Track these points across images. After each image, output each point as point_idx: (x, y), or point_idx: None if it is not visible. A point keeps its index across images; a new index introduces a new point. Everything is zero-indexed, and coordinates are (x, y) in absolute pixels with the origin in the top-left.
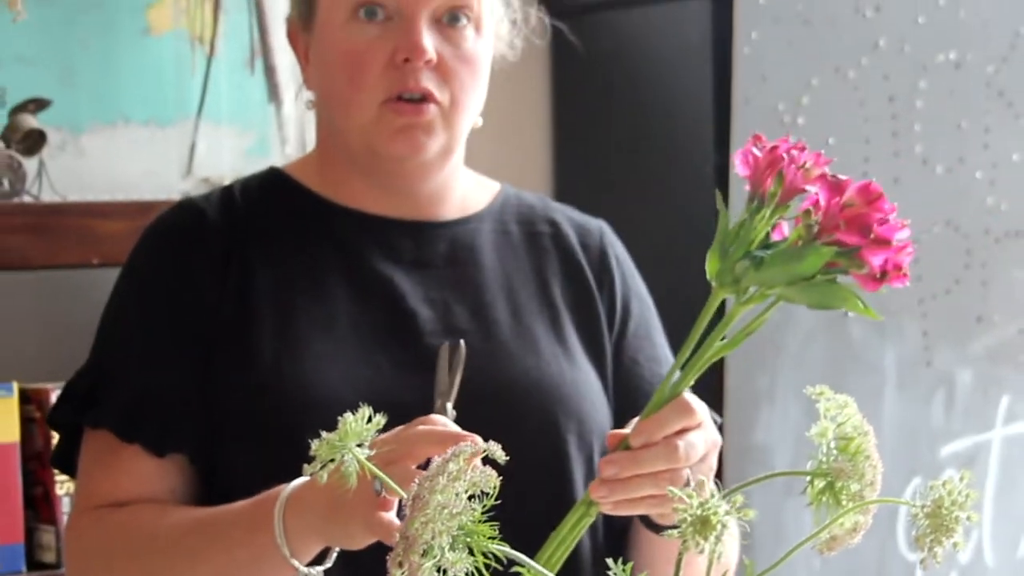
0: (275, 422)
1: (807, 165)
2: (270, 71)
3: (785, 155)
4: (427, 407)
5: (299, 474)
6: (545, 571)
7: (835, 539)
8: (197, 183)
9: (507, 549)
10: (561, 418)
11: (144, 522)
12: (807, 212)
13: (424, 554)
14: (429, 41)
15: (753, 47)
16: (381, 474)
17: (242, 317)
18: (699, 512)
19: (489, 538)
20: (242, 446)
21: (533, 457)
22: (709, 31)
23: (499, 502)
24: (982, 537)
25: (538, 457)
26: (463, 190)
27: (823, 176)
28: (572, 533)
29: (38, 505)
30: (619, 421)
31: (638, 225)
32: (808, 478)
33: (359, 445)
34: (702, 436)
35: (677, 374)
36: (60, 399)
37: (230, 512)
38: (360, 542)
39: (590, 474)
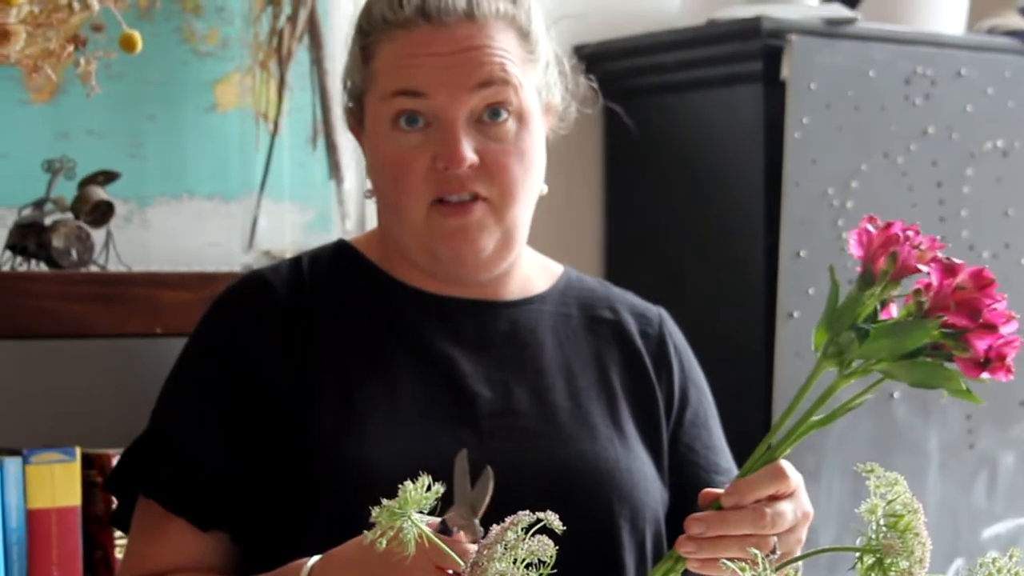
0: (333, 501)
1: (922, 247)
2: (332, 149)
3: (900, 235)
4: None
5: None
6: None
7: None
8: (259, 256)
9: None
10: (615, 503)
11: None
12: (917, 291)
13: None
14: (468, 146)
15: (804, 131)
16: (441, 543)
17: (303, 391)
18: None
19: None
20: (294, 523)
21: (585, 541)
22: (762, 115)
23: None
24: None
25: (590, 541)
26: (526, 270)
27: (937, 258)
28: None
29: (98, 568)
30: (675, 510)
31: (689, 306)
32: (857, 554)
33: (419, 512)
34: (792, 506)
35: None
36: (119, 464)
37: None
38: None
39: (642, 560)
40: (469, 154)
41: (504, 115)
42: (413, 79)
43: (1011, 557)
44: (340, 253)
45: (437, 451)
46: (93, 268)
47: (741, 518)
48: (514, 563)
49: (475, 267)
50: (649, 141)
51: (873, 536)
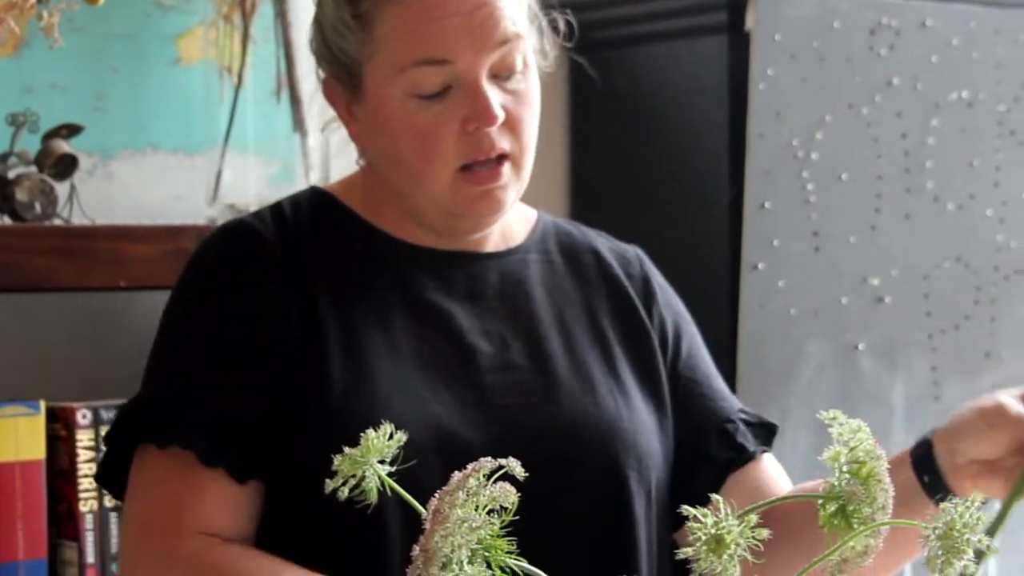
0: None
1: None
2: (296, 102)
3: None
4: (490, 447)
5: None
6: None
7: (846, 562)
8: (223, 209)
9: (525, 564)
10: (622, 455)
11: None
12: None
13: (443, 567)
14: (496, 101)
15: (769, 83)
16: (403, 492)
17: (309, 340)
18: (713, 532)
19: (507, 553)
20: (307, 474)
21: (596, 494)
22: (726, 67)
23: (563, 536)
24: (987, 571)
25: (601, 495)
26: (506, 218)
27: None
28: None
29: (62, 522)
30: (683, 440)
31: (654, 258)
32: (820, 502)
33: (381, 461)
34: None
35: None
36: (122, 419)
37: None
38: None
39: (649, 509)
40: (500, 110)
41: (520, 69)
42: (435, 46)
43: (973, 502)
44: (319, 201)
45: (445, 408)
46: (57, 221)
47: None
48: (476, 509)
49: (492, 225)
50: (613, 93)
51: (836, 483)
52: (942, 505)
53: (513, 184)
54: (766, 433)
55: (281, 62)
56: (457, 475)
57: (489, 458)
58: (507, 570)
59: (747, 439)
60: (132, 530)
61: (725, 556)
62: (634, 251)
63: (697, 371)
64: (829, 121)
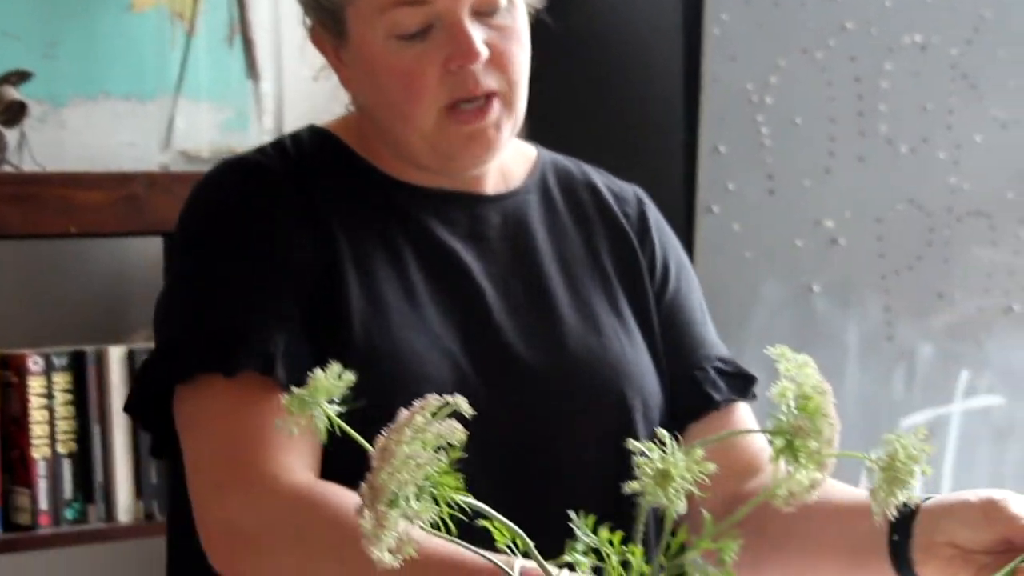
0: (361, 393)
1: None
2: (248, 47)
3: None
4: (500, 389)
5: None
6: (510, 523)
7: (793, 495)
8: (175, 156)
9: (471, 500)
10: (628, 394)
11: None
12: None
13: (391, 504)
14: (478, 38)
15: (723, 28)
16: (355, 434)
17: (328, 275)
18: (660, 465)
19: (455, 489)
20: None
21: (603, 435)
22: (680, 12)
23: (572, 476)
24: None
25: (608, 434)
26: (504, 157)
27: None
28: None
29: (14, 468)
30: (667, 380)
31: None
32: (768, 437)
33: (330, 401)
34: None
35: None
36: (164, 353)
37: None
38: None
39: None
40: (482, 47)
41: (504, 6)
42: None
43: (916, 434)
44: (320, 139)
45: (460, 348)
46: (7, 168)
47: None
48: (423, 446)
49: (486, 164)
50: (568, 38)
51: (783, 418)
52: (886, 435)
53: (505, 122)
54: (743, 384)
55: (233, 8)
56: (404, 412)
57: (435, 394)
58: (455, 506)
59: (716, 388)
60: (211, 463)
61: (671, 490)
62: (632, 190)
63: (678, 315)
64: (783, 65)
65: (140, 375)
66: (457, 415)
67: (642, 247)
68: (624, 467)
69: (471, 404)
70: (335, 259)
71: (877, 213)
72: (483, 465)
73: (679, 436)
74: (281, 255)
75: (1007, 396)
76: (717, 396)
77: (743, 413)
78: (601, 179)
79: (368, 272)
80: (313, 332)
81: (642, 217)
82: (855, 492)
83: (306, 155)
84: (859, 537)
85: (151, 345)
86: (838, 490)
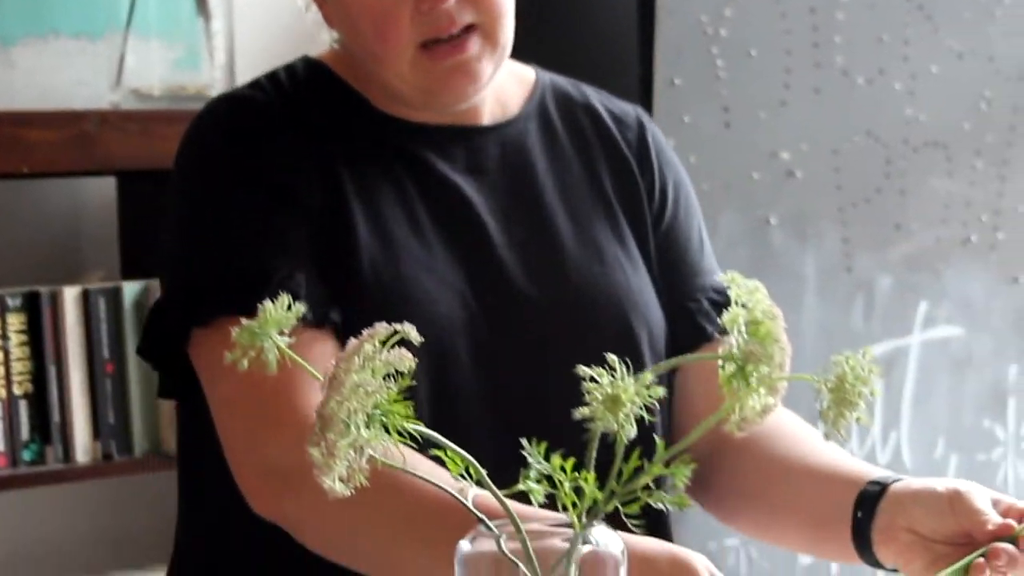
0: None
1: None
2: None
3: None
4: (507, 323)
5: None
6: (464, 452)
7: (745, 420)
8: (126, 95)
9: (423, 428)
10: (634, 324)
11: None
12: None
13: (340, 433)
14: None
15: None
16: (303, 362)
17: (335, 211)
18: (609, 391)
19: (405, 417)
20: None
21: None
22: None
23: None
24: (900, 439)
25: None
26: (500, 82)
27: None
28: None
29: None
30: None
31: None
32: (720, 362)
33: (280, 333)
34: None
35: None
36: (176, 297)
37: None
38: None
39: (660, 380)
40: None
41: None
42: None
43: (864, 355)
44: (315, 72)
45: (467, 284)
46: None
47: None
48: (372, 374)
49: (472, 97)
50: None
51: (734, 343)
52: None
53: (487, 54)
54: None
55: None
56: (352, 341)
57: (384, 323)
58: (406, 435)
59: (709, 320)
60: (242, 407)
61: (621, 415)
62: (633, 111)
63: (674, 242)
64: None
65: (153, 319)
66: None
67: (641, 172)
68: None
69: (478, 341)
70: (340, 195)
71: (834, 145)
72: (490, 401)
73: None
74: (288, 191)
75: (965, 327)
76: (709, 328)
77: None
78: (600, 100)
79: (375, 208)
80: (323, 269)
81: (642, 141)
82: (839, 460)
83: (302, 89)
84: (827, 508)
85: (106, 285)
86: (825, 456)
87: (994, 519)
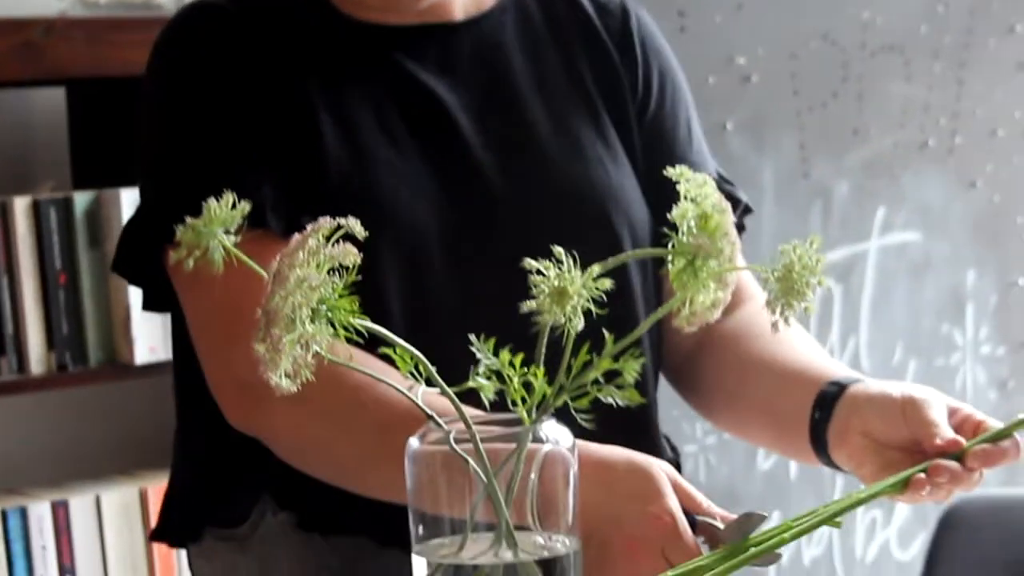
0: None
1: None
2: None
3: None
4: (483, 226)
5: (369, 291)
6: (407, 345)
7: (696, 315)
8: (73, 2)
9: (369, 324)
10: (615, 222)
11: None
12: None
13: (285, 328)
14: None
15: None
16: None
17: (302, 122)
18: (556, 284)
19: (351, 313)
20: None
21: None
22: None
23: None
24: (859, 345)
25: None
26: None
27: None
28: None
29: None
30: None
31: None
32: (669, 258)
33: (226, 232)
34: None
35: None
36: (148, 215)
37: None
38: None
39: (646, 279)
40: None
41: None
42: None
43: (811, 244)
44: None
45: (441, 189)
46: None
47: (975, 482)
48: (317, 268)
49: None
50: None
51: (684, 238)
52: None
53: None
54: (734, 209)
55: None
56: (296, 236)
57: (328, 217)
58: (351, 329)
59: None
60: (214, 321)
61: (568, 307)
62: None
63: (660, 134)
64: None
65: (127, 234)
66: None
67: (624, 62)
68: (617, 296)
69: (453, 247)
70: (308, 103)
71: (790, 49)
72: (466, 307)
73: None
74: (256, 102)
75: (923, 232)
76: None
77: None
78: None
79: (344, 115)
80: (292, 180)
81: (625, 29)
82: (812, 360)
83: None
84: (790, 408)
85: (57, 195)
86: (798, 355)
87: (944, 433)
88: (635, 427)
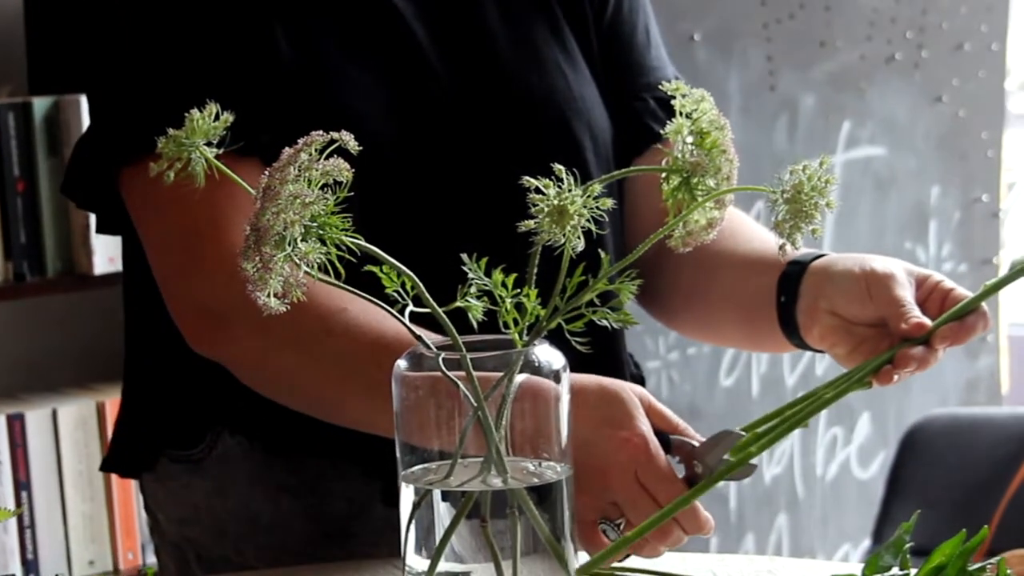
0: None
1: None
2: None
3: None
4: (442, 136)
5: None
6: (398, 264)
7: (691, 235)
8: None
9: (360, 242)
10: (576, 129)
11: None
12: None
13: (276, 245)
14: None
15: None
16: (235, 176)
17: (256, 30)
18: (556, 202)
19: (342, 230)
20: None
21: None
22: None
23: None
24: None
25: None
26: None
27: None
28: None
29: None
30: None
31: None
32: (663, 175)
33: (207, 144)
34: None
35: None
36: (100, 132)
37: None
38: None
39: (610, 187)
40: None
41: None
42: None
43: (821, 164)
44: None
45: (396, 96)
46: None
47: (939, 357)
48: (308, 184)
49: None
50: None
51: (679, 155)
52: (790, 167)
53: None
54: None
55: None
56: (287, 151)
57: (320, 132)
58: (343, 248)
59: (655, 119)
60: (172, 247)
61: (568, 227)
62: None
63: (618, 37)
64: None
65: (77, 155)
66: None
67: None
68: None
69: (411, 159)
70: (263, 14)
71: None
72: (427, 219)
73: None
74: (210, 15)
75: (888, 147)
76: (656, 127)
77: None
78: None
79: (301, 24)
80: (249, 94)
81: None
82: (765, 245)
83: None
84: (755, 295)
85: (15, 100)
86: (755, 244)
87: (909, 313)
88: (600, 344)
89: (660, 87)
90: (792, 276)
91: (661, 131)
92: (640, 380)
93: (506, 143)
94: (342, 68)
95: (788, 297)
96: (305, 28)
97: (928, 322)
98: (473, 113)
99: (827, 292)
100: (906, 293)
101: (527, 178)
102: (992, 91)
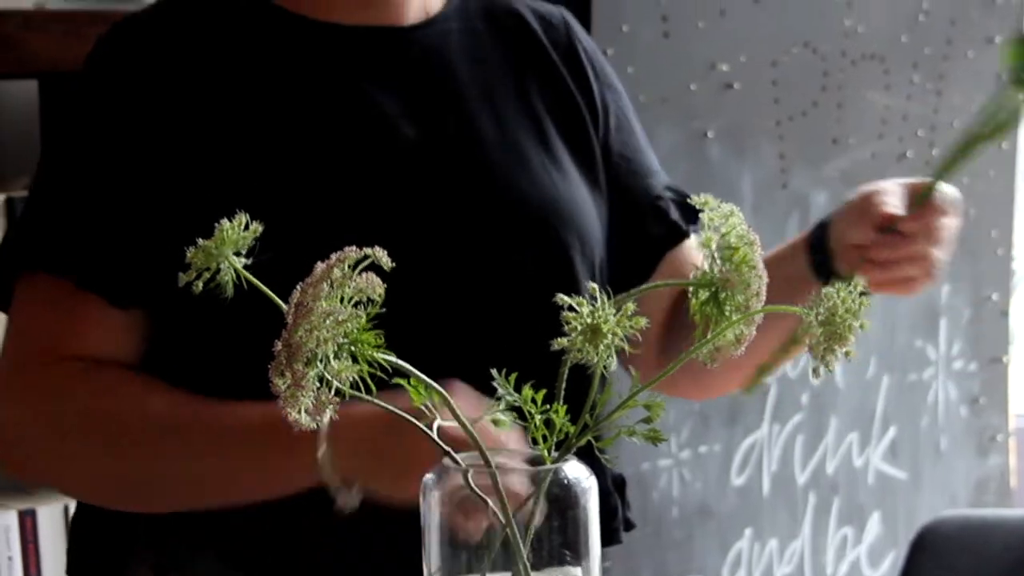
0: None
1: None
2: None
3: None
4: (424, 238)
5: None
6: (430, 381)
7: (719, 350)
8: None
9: (392, 358)
10: (563, 234)
11: (137, 398)
12: None
13: (308, 363)
14: None
15: None
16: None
17: (205, 143)
18: (589, 321)
19: (375, 347)
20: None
21: (544, 277)
22: None
23: (512, 324)
24: None
25: (549, 277)
26: None
27: None
28: None
29: None
30: (615, 219)
31: None
32: (691, 289)
33: (236, 254)
34: (956, 222)
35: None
36: (7, 243)
37: (253, 428)
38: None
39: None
40: None
41: None
42: None
43: (855, 286)
44: None
45: (381, 205)
46: None
47: (923, 239)
48: (341, 301)
49: None
50: None
51: (708, 270)
52: (824, 290)
53: None
54: (691, 211)
55: None
56: (320, 265)
57: (354, 248)
58: (375, 364)
59: (679, 216)
60: (5, 361)
61: (602, 346)
62: (559, 13)
63: (627, 146)
64: None
65: None
66: (380, 270)
67: (574, 78)
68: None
69: (398, 256)
70: (213, 121)
71: (772, 56)
72: (417, 325)
73: (651, 267)
74: (128, 129)
75: None
76: (683, 225)
77: (697, 239)
78: (525, 1)
79: (272, 130)
80: (187, 206)
81: (571, 44)
82: (771, 253)
83: (195, 3)
84: (791, 283)
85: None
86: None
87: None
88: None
89: (667, 187)
90: (819, 239)
91: (688, 226)
92: (621, 482)
93: (493, 244)
94: (321, 182)
95: (820, 257)
96: (279, 134)
97: (894, 212)
98: (458, 211)
99: (842, 231)
100: (890, 199)
101: (560, 295)
102: (1002, 190)
